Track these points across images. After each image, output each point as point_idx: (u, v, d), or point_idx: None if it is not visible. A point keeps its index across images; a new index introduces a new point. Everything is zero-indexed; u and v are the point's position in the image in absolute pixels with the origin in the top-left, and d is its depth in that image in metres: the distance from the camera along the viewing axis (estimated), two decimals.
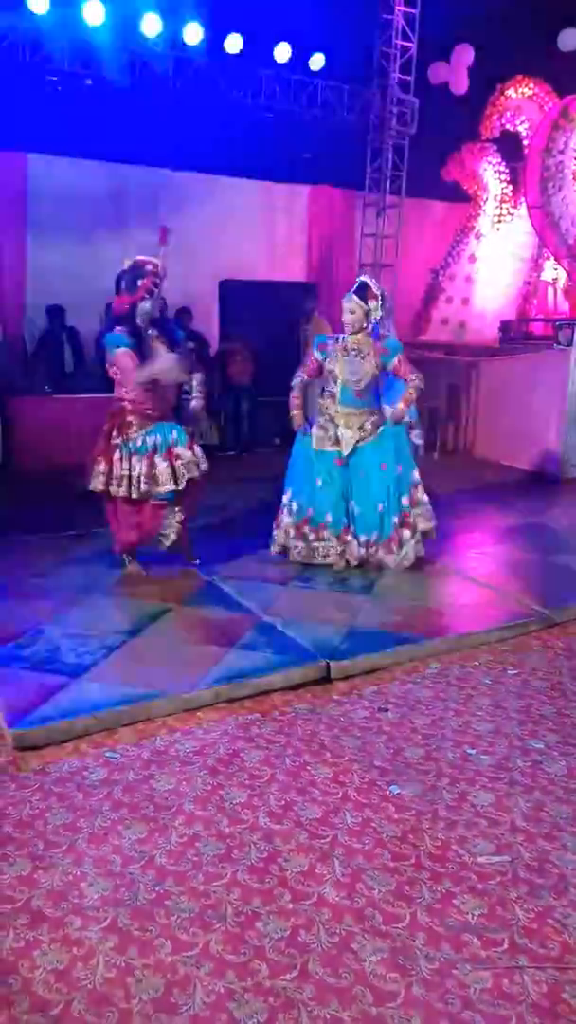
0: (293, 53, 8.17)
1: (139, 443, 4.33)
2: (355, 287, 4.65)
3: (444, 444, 8.61)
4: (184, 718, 3.16)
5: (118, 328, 4.28)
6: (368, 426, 4.67)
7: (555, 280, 11.11)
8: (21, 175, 7.72)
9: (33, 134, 7.42)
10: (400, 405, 4.65)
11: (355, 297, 4.58)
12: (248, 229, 9.11)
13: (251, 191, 9.11)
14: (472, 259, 10.95)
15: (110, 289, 8.16)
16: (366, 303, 4.57)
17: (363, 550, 4.70)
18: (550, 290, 11.18)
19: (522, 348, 9.09)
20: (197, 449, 4.42)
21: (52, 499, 6.44)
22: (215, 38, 7.72)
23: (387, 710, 3.27)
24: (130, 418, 4.34)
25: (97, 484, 4.40)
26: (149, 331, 4.34)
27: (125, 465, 4.32)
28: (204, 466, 4.42)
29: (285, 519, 4.79)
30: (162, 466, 4.31)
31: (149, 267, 4.28)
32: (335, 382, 4.65)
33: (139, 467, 4.31)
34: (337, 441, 4.68)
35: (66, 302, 7.87)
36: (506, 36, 9.33)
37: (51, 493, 6.63)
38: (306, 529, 4.73)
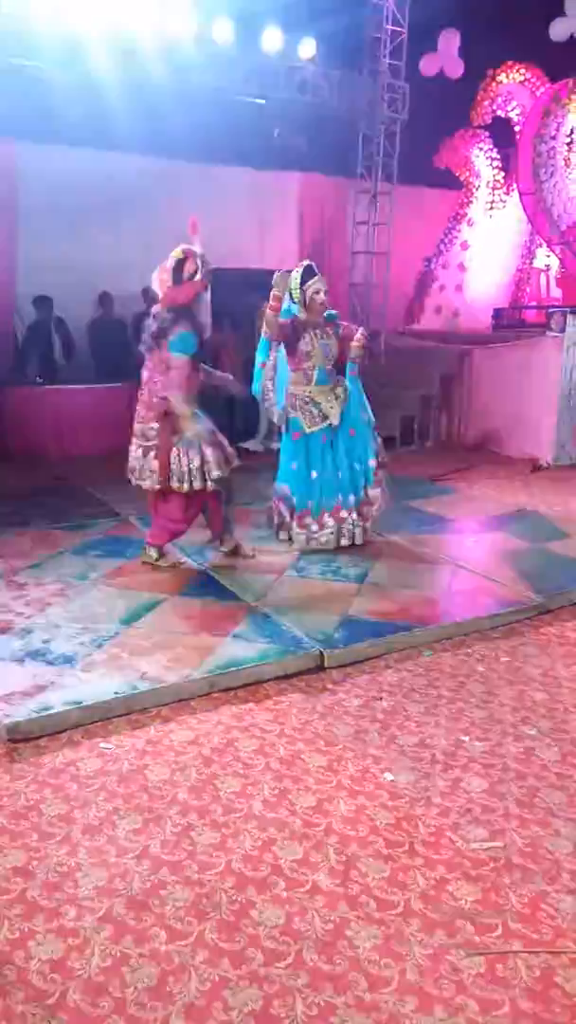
0: (283, 40, 8.09)
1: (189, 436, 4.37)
2: (307, 268, 4.76)
3: (437, 432, 8.61)
4: (178, 708, 3.16)
5: (184, 327, 4.24)
6: (340, 392, 4.86)
7: (547, 267, 11.10)
8: (9, 164, 7.64)
9: (21, 122, 7.33)
10: (355, 344, 4.84)
11: (323, 278, 4.78)
12: (239, 217, 9.04)
13: (241, 179, 9.04)
14: (464, 246, 10.92)
15: (101, 279, 8.18)
16: None
17: (354, 514, 4.92)
18: (542, 277, 11.17)
19: (515, 335, 9.07)
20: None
21: (44, 490, 6.43)
22: (204, 25, 7.64)
23: (381, 698, 3.27)
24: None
25: (153, 482, 4.40)
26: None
27: (184, 460, 4.34)
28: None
29: (283, 510, 4.95)
30: (209, 453, 4.36)
31: (207, 257, 4.28)
32: (312, 365, 4.77)
33: (196, 459, 4.34)
34: (324, 416, 4.81)
35: (57, 293, 7.81)
36: (498, 21, 9.27)
37: (43, 484, 6.61)
38: (308, 520, 4.88)
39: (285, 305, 4.69)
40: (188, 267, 4.27)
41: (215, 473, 4.35)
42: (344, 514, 4.90)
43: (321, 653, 3.56)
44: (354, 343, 4.85)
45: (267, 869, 2.29)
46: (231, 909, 2.14)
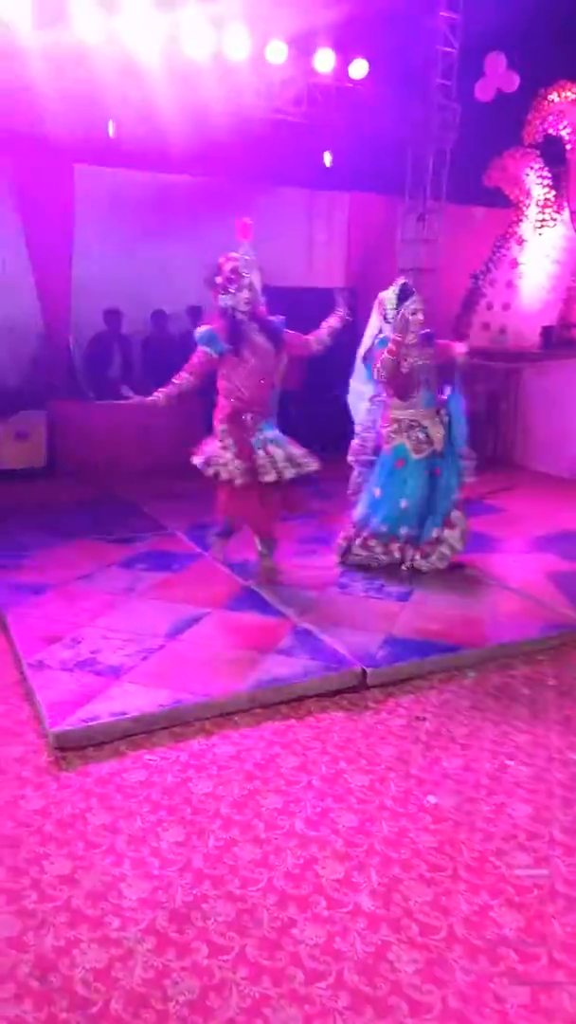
0: (335, 61, 8.18)
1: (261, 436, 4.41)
2: (403, 288, 4.61)
3: (484, 449, 8.54)
4: (221, 722, 3.18)
5: (207, 324, 4.40)
6: (444, 416, 4.68)
7: None
8: (68, 185, 7.86)
9: (78, 144, 7.54)
10: (460, 353, 4.71)
11: (419, 297, 4.59)
12: (287, 237, 9.14)
13: (292, 199, 9.14)
14: (514, 264, 10.83)
15: (154, 297, 8.32)
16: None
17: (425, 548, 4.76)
18: None
19: (564, 354, 8.96)
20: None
21: (94, 503, 6.55)
22: (258, 47, 7.77)
23: (424, 719, 3.25)
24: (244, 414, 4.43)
25: (235, 476, 4.38)
26: (249, 324, 4.37)
27: (262, 454, 4.36)
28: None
29: (372, 543, 4.77)
30: (293, 449, 4.41)
31: (228, 264, 4.32)
32: (413, 388, 4.62)
33: (279, 451, 4.37)
34: (430, 441, 4.65)
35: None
36: (549, 41, 9.24)
37: (93, 497, 6.74)
38: (373, 542, 4.77)
39: (376, 329, 4.62)
40: (223, 272, 4.33)
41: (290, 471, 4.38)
42: (412, 549, 4.72)
43: (364, 671, 3.55)
44: (459, 355, 4.71)
45: (309, 887, 2.29)
46: (272, 926, 2.14)
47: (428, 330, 4.69)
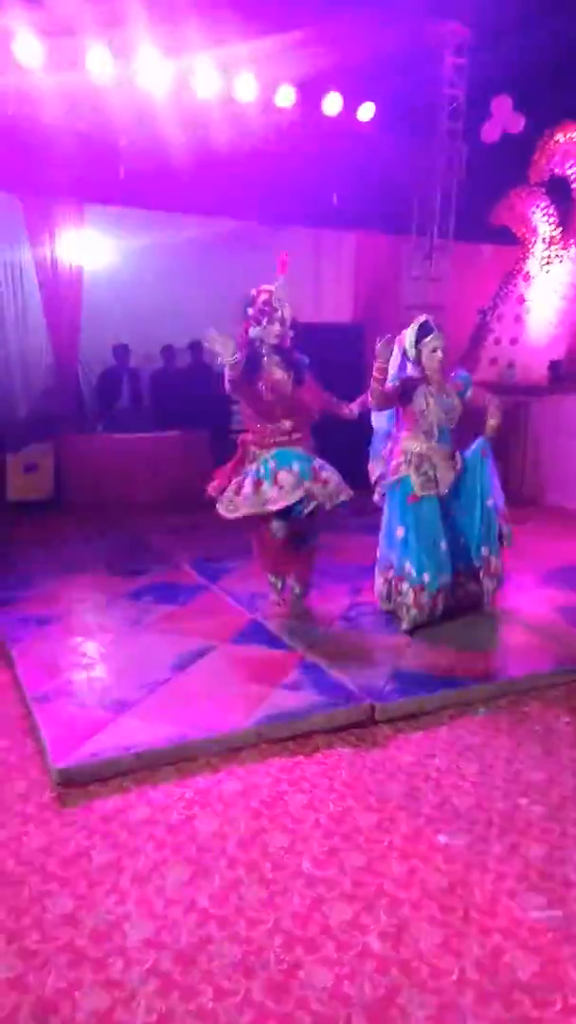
0: (343, 104, 8.37)
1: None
2: (423, 325, 4.41)
3: None
4: (227, 758, 3.13)
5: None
6: (458, 461, 4.49)
7: None
8: (78, 223, 8.01)
9: (89, 185, 7.71)
10: (492, 422, 4.55)
11: (441, 334, 4.42)
12: (296, 273, 9.24)
13: (300, 238, 9.27)
14: (521, 300, 10.94)
15: (162, 334, 8.43)
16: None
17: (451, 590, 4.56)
18: None
19: (572, 387, 8.99)
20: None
21: (101, 535, 6.55)
22: (265, 90, 7.96)
23: (434, 756, 3.20)
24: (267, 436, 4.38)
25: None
26: (270, 356, 4.33)
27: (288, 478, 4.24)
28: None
29: (406, 588, 4.38)
30: (330, 475, 4.36)
31: (262, 296, 4.33)
32: (429, 423, 4.41)
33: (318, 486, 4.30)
34: (436, 483, 4.41)
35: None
36: (554, 83, 9.43)
37: (100, 529, 6.75)
38: (423, 598, 4.37)
39: (393, 370, 4.41)
40: (256, 304, 4.33)
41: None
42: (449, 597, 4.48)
43: (372, 706, 3.50)
44: (491, 420, 4.52)
45: (316, 929, 2.23)
46: (279, 969, 2.08)
47: (464, 372, 4.63)
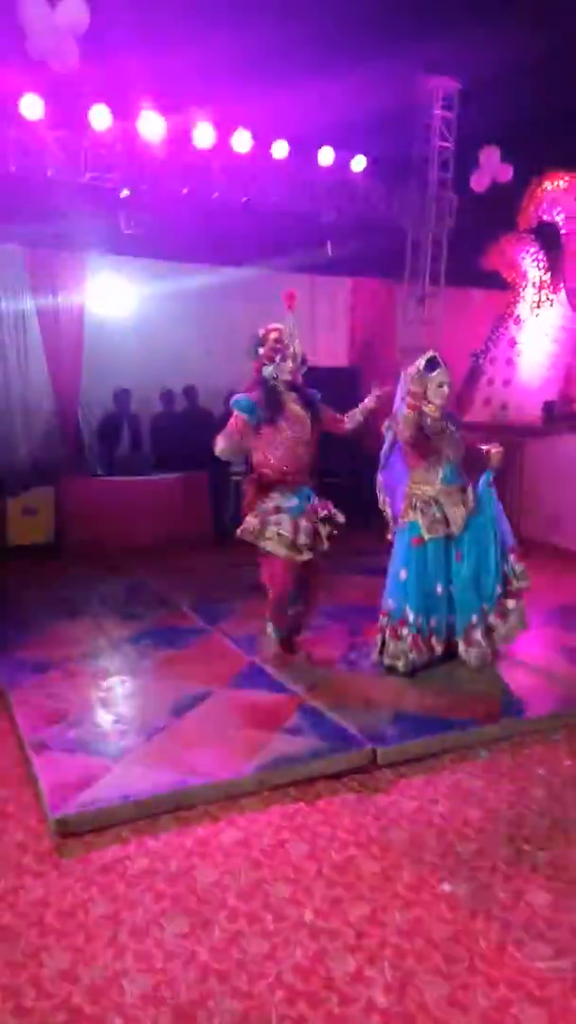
0: (336, 155, 8.61)
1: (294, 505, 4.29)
2: (430, 361, 4.39)
3: None
4: (227, 806, 3.09)
5: (243, 393, 4.36)
6: (468, 498, 4.39)
7: None
8: (80, 274, 8.16)
9: (92, 235, 7.89)
10: (495, 451, 4.47)
11: (447, 370, 4.40)
12: (293, 318, 9.40)
13: (296, 284, 9.43)
14: (512, 343, 11.10)
15: (163, 378, 8.55)
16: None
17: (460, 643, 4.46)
18: None
19: (566, 428, 9.08)
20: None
21: (101, 579, 6.54)
22: (261, 143, 8.20)
23: (437, 801, 3.16)
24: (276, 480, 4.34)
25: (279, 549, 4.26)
26: (290, 393, 4.35)
27: (305, 523, 4.26)
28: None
29: (405, 633, 4.33)
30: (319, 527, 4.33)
31: (271, 335, 4.37)
32: (439, 460, 4.38)
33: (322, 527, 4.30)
34: (446, 522, 4.37)
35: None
36: (541, 133, 9.72)
37: (100, 573, 6.74)
38: (420, 641, 4.35)
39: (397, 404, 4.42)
40: (267, 343, 4.34)
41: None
42: (439, 644, 4.40)
43: (374, 751, 3.47)
44: (494, 450, 4.44)
45: (319, 982, 2.19)
46: None
47: (453, 413, 4.61)
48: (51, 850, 2.81)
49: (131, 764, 3.33)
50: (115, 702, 3.99)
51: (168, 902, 2.52)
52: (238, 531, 4.36)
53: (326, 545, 4.37)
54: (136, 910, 2.48)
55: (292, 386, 4.40)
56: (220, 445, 4.26)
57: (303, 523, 4.27)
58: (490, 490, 4.48)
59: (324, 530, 4.36)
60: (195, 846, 2.83)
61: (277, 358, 4.33)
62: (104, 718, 3.80)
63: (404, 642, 4.34)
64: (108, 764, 3.32)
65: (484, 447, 4.51)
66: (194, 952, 2.30)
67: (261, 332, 4.42)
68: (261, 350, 4.37)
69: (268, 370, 4.34)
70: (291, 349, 4.37)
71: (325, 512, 4.39)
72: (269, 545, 4.26)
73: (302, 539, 4.25)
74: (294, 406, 4.37)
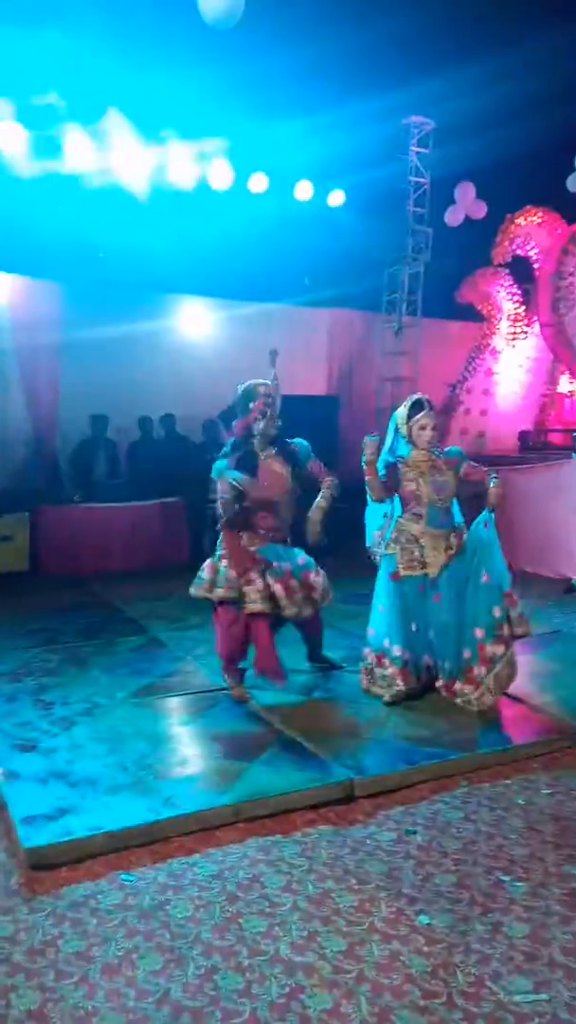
0: (314, 190, 8.77)
1: (272, 564, 4.22)
2: (415, 403, 4.38)
3: None
4: (202, 838, 3.04)
5: (226, 454, 4.30)
6: (453, 542, 4.35)
7: (572, 393, 11.38)
8: (53, 303, 8.17)
9: (65, 266, 7.91)
10: (494, 489, 4.32)
11: (432, 412, 4.37)
12: (272, 348, 9.48)
13: (275, 315, 9.54)
14: (488, 373, 11.28)
15: (139, 406, 8.56)
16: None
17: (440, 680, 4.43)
18: (566, 401, 11.43)
19: (541, 457, 9.20)
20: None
21: (75, 606, 6.47)
22: (239, 177, 8.34)
23: (415, 832, 3.13)
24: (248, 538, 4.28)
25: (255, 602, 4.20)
26: (268, 450, 4.33)
27: (279, 587, 4.19)
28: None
29: (388, 663, 4.36)
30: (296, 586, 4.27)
31: (261, 389, 4.32)
32: (420, 504, 4.34)
33: (295, 584, 4.24)
34: (423, 564, 4.33)
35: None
36: (514, 170, 9.97)
37: (75, 600, 6.67)
38: (405, 673, 4.33)
39: (386, 448, 4.39)
40: (260, 398, 4.30)
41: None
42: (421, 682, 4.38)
43: (351, 782, 3.43)
44: (493, 489, 4.29)
45: (295, 1019, 2.13)
46: None
47: (454, 447, 4.60)
48: (21, 885, 2.73)
49: (105, 794, 3.26)
50: (90, 731, 3.92)
51: (141, 938, 2.46)
52: (191, 590, 4.32)
53: (288, 609, 4.23)
54: (108, 946, 2.41)
55: (273, 441, 4.35)
56: (221, 512, 4.23)
57: (266, 579, 4.18)
58: (486, 530, 4.34)
59: (294, 594, 4.23)
60: (169, 879, 2.77)
61: (269, 412, 4.30)
62: (78, 747, 3.73)
63: (387, 671, 4.34)
64: (82, 794, 3.26)
65: (487, 483, 4.36)
66: (167, 990, 2.24)
67: (252, 386, 4.35)
68: (252, 404, 4.31)
69: (258, 426, 4.29)
70: (277, 405, 4.36)
71: (300, 579, 4.30)
72: (218, 593, 4.22)
73: (253, 590, 4.14)
74: (273, 463, 4.33)
